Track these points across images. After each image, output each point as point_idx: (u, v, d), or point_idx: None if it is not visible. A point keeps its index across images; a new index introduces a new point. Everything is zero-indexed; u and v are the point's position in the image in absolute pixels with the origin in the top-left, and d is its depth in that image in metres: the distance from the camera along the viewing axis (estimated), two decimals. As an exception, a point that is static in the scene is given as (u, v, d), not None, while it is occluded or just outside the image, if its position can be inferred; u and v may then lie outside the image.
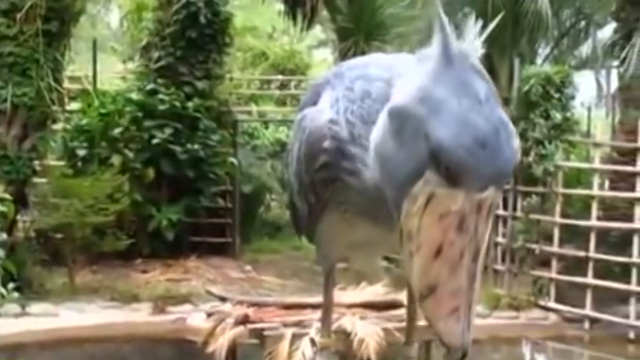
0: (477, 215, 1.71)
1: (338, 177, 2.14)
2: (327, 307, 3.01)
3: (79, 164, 12.29)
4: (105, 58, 19.28)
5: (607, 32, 15.83)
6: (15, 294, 8.34)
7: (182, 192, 12.87)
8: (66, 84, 13.00)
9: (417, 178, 1.73)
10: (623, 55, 12.51)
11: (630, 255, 10.61)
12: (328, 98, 2.19)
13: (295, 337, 5.22)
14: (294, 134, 2.40)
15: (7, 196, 9.36)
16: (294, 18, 14.90)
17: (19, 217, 11.24)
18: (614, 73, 14.88)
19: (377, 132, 1.89)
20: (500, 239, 11.90)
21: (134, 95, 13.02)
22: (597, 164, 11.57)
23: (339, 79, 2.24)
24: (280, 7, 15.69)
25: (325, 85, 2.27)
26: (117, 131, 12.52)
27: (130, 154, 12.42)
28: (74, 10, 12.40)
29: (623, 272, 10.72)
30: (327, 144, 2.14)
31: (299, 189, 2.39)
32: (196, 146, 12.80)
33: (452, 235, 1.71)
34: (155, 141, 12.54)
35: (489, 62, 15.62)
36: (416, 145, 1.72)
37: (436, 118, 1.70)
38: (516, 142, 1.76)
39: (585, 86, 16.13)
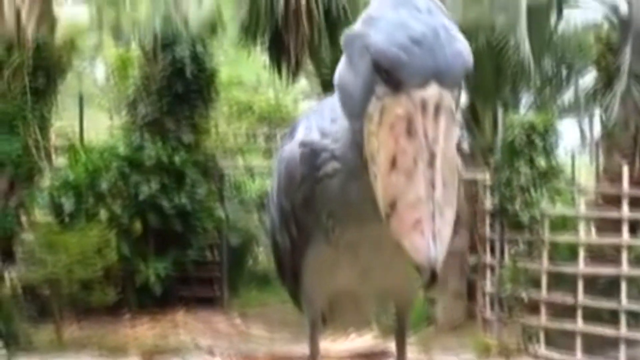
0: (424, 116, 1.68)
1: (318, 187, 2.09)
2: (314, 359, 2.97)
3: (66, 218, 12.27)
4: (92, 113, 19.35)
5: (588, 79, 16.04)
6: (2, 350, 8.28)
7: (170, 245, 12.86)
8: (53, 140, 13.05)
9: (369, 95, 1.75)
10: (605, 102, 12.66)
11: (619, 301, 10.62)
12: (303, 127, 2.21)
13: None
14: (274, 169, 2.42)
15: (-6, 252, 9.34)
16: (279, 71, 15.03)
17: (5, 272, 11.19)
18: (597, 120, 15.06)
19: (338, 69, 1.92)
20: (488, 287, 11.91)
21: (121, 150, 13.06)
22: (582, 210, 11.64)
23: (313, 112, 2.27)
24: (265, 60, 15.83)
25: (301, 120, 2.30)
26: (104, 186, 12.54)
27: (118, 208, 12.42)
28: (60, 66, 12.53)
29: (612, 317, 10.73)
30: (302, 158, 2.13)
31: (280, 221, 2.34)
32: (183, 199, 12.82)
33: (402, 142, 1.68)
34: (142, 195, 12.55)
35: (473, 111, 15.80)
36: (363, 63, 1.76)
37: (374, 29, 1.74)
38: (462, 46, 1.76)
39: (569, 133, 16.26)
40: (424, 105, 1.68)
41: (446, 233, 1.63)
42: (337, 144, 2.01)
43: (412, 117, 1.68)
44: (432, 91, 1.69)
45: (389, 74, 1.71)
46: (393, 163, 1.67)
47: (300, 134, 2.19)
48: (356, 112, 1.80)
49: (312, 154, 2.09)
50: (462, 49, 1.75)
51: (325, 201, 2.08)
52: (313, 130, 2.14)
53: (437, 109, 1.69)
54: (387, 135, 1.70)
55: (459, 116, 1.75)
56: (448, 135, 1.70)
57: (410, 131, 1.68)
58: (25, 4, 12.27)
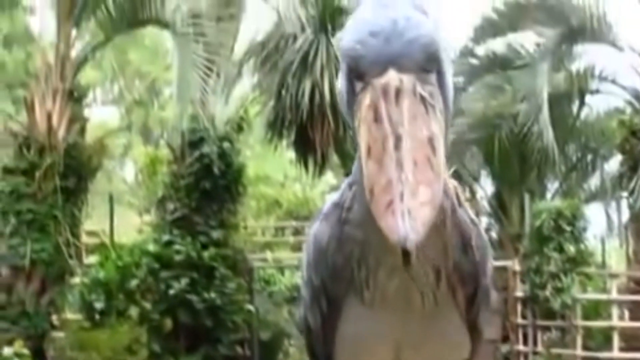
0: (386, 102, 1.73)
1: (346, 241, 2.10)
2: None
3: (97, 317, 12.30)
4: (122, 211, 19.56)
5: (613, 164, 16.08)
6: None
7: (201, 341, 12.81)
8: (83, 239, 13.19)
9: (352, 95, 1.83)
10: (631, 186, 12.66)
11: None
12: (326, 205, 2.26)
13: None
14: (304, 252, 2.43)
15: (25, 351, 9.39)
16: (306, 165, 15.19)
17: (37, 372, 11.20)
18: (624, 204, 15.01)
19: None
20: (523, 376, 11.74)
21: (151, 247, 13.15)
22: (614, 295, 11.53)
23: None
24: (292, 155, 16.02)
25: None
26: (134, 283, 12.60)
27: (148, 305, 12.44)
28: (90, 166, 12.76)
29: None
30: (327, 220, 2.17)
31: (310, 299, 2.32)
32: (213, 295, 12.83)
33: (372, 130, 1.73)
34: (172, 292, 12.58)
35: (499, 200, 15.83)
36: (344, 66, 1.86)
37: (346, 31, 1.85)
38: (421, 32, 1.78)
39: (597, 218, 16.23)
40: (385, 92, 1.74)
41: (421, 212, 1.65)
42: (356, 193, 2.05)
43: (376, 105, 1.75)
44: (390, 77, 1.75)
45: (352, 69, 1.81)
46: (368, 152, 1.74)
47: (324, 210, 2.24)
48: (349, 114, 1.90)
49: (335, 214, 2.13)
50: (420, 34, 1.78)
51: (355, 252, 2.09)
52: (334, 200, 2.20)
53: (398, 93, 1.74)
54: (362, 126, 1.77)
55: (439, 98, 1.79)
56: (416, 117, 1.74)
57: (376, 118, 1.74)
58: (56, 107, 12.58)
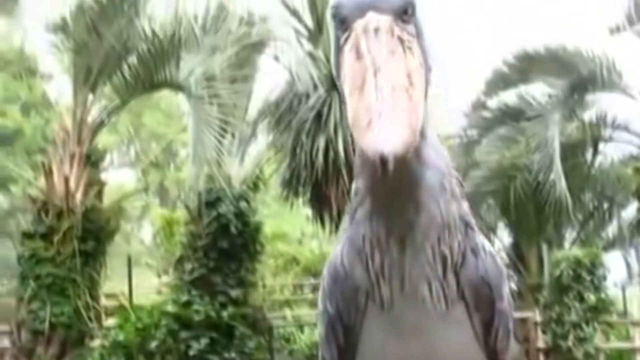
0: (366, 38, 1.89)
1: (358, 241, 2.16)
2: None
3: (118, 380, 12.29)
4: (141, 273, 19.62)
5: (631, 211, 16.04)
6: None
7: (222, 401, 12.76)
8: (103, 301, 13.23)
9: (338, 52, 1.99)
10: (649, 232, 12.63)
11: None
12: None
13: None
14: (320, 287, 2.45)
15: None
16: (322, 222, 15.22)
17: None
18: (643, 251, 14.96)
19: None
20: None
21: (170, 308, 13.17)
22: (638, 343, 11.43)
23: None
24: (308, 212, 16.06)
25: None
26: (153, 344, 12.59)
27: (168, 366, 12.43)
28: (108, 229, 12.86)
29: None
30: (340, 243, 2.23)
31: (326, 332, 2.32)
32: (233, 354, 12.81)
33: (354, 66, 1.87)
34: (192, 352, 12.57)
35: (517, 250, 15.79)
36: (333, 30, 2.05)
37: None
38: None
39: (616, 266, 16.12)
40: (365, 30, 1.92)
41: (398, 130, 1.75)
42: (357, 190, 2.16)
43: (357, 43, 1.90)
44: (369, 17, 1.93)
45: (339, 21, 1.99)
46: (351, 86, 1.87)
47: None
48: (337, 77, 2.05)
49: (343, 235, 2.22)
50: None
51: (365, 245, 2.14)
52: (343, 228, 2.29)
53: (377, 30, 1.91)
54: (345, 66, 1.93)
55: (417, 47, 1.96)
56: (394, 52, 1.89)
57: (358, 54, 1.89)
58: (74, 172, 12.73)
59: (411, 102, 1.82)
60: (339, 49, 2.01)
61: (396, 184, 1.96)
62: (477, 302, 2.17)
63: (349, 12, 1.97)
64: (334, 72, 2.10)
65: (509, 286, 2.31)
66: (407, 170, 1.97)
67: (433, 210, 2.05)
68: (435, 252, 2.08)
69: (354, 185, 2.17)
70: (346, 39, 1.96)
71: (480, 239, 2.19)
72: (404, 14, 1.98)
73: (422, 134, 2.00)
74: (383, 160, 1.72)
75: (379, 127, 1.75)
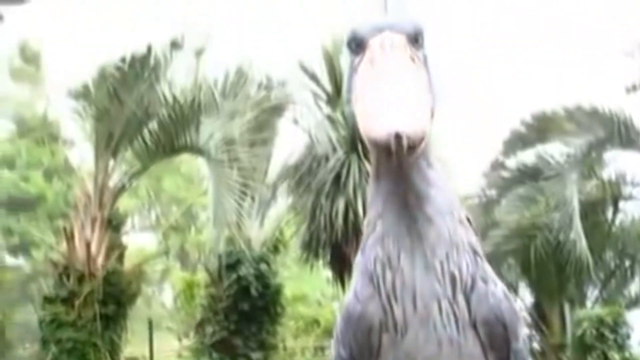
0: (382, 52, 2.02)
1: (370, 261, 2.22)
2: None
3: None
4: (161, 336, 19.58)
5: (652, 269, 15.94)
6: None
7: None
8: (124, 365, 13.21)
9: (353, 73, 2.10)
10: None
11: None
12: None
13: None
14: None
15: None
16: (342, 284, 15.19)
17: None
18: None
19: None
20: None
21: (191, 372, 13.15)
22: (663, 403, 11.27)
23: None
24: (328, 274, 16.05)
25: None
26: (175, 409, 12.54)
27: None
28: (129, 293, 12.91)
29: None
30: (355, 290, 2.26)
31: None
32: (254, 418, 12.73)
33: (369, 70, 2.01)
34: (213, 416, 12.50)
35: (539, 310, 15.68)
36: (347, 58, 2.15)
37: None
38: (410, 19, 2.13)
39: (640, 325, 15.95)
40: (381, 45, 2.04)
41: (411, 116, 1.85)
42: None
43: (373, 55, 2.03)
44: (385, 35, 2.06)
45: (356, 45, 2.11)
46: (363, 88, 1.98)
47: None
48: (349, 97, 2.14)
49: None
50: (408, 17, 2.15)
51: (377, 266, 2.19)
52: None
53: (392, 46, 2.04)
54: (359, 76, 2.04)
55: (426, 71, 2.08)
56: (407, 64, 2.01)
57: (372, 64, 2.02)
58: (95, 236, 12.84)
59: (421, 99, 1.93)
60: (352, 71, 2.11)
61: (406, 187, 2.06)
62: (492, 340, 2.17)
63: (366, 33, 2.09)
64: (344, 96, 2.23)
65: (524, 328, 2.32)
66: (416, 170, 2.07)
67: (440, 226, 2.11)
68: (444, 269, 2.11)
69: (365, 220, 2.24)
70: (362, 58, 2.08)
71: (491, 272, 2.21)
72: (415, 41, 2.11)
73: (427, 158, 2.10)
74: (398, 137, 1.81)
75: (392, 112, 1.86)
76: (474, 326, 2.15)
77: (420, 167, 2.08)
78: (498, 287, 2.21)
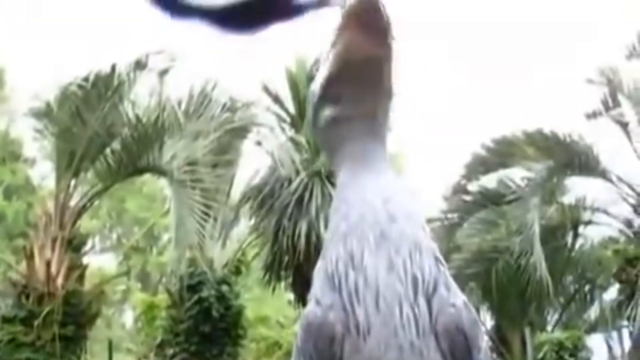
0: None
1: (333, 259, 2.18)
2: None
3: None
4: (121, 358, 19.39)
5: (612, 293, 16.11)
6: None
7: None
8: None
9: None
10: (630, 314, 12.67)
11: None
12: None
13: None
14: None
15: None
16: (304, 306, 15.11)
17: None
18: (625, 333, 14.97)
19: None
20: None
21: (150, 394, 13.03)
22: None
23: None
24: (290, 296, 16.04)
25: None
26: None
27: None
28: (89, 313, 12.78)
29: None
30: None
31: None
32: None
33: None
34: None
35: (500, 334, 15.77)
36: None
37: None
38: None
39: (599, 349, 16.11)
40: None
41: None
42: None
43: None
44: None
45: None
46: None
47: None
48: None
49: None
50: None
51: (339, 265, 2.15)
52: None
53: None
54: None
55: None
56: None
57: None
58: (55, 256, 12.71)
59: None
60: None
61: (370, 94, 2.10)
62: (453, 350, 2.13)
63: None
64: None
65: (485, 340, 2.30)
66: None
67: (403, 226, 2.11)
68: (407, 269, 2.09)
69: (329, 227, 2.24)
70: None
71: (453, 281, 2.19)
72: None
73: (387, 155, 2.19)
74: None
75: None
76: (435, 334, 2.11)
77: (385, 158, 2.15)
78: (459, 297, 2.18)
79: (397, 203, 2.12)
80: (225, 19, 1.81)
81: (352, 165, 2.17)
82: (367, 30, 1.95)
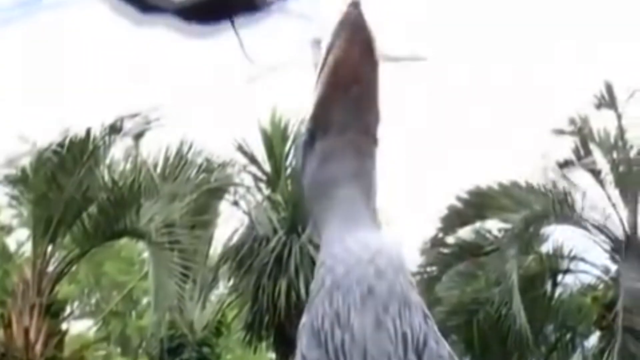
0: None
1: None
2: None
3: None
4: None
5: (593, 340, 16.12)
6: None
7: None
8: None
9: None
10: (612, 360, 12.70)
11: None
12: None
13: None
14: None
15: None
16: (287, 364, 15.09)
17: None
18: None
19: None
20: None
21: None
22: None
23: None
24: (272, 356, 15.94)
25: None
26: None
27: None
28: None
29: None
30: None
31: None
32: None
33: None
34: None
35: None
36: None
37: None
38: None
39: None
40: None
41: None
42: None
43: None
44: None
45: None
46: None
47: None
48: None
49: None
50: None
51: (331, 334, 2.08)
52: None
53: None
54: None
55: None
56: None
57: None
58: (34, 322, 12.60)
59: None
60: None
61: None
62: None
63: None
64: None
65: None
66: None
67: (392, 281, 2.02)
68: (397, 327, 2.03)
69: (314, 279, 2.14)
70: None
71: (440, 335, 2.14)
72: None
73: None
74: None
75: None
76: None
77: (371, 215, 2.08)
78: (445, 348, 2.14)
79: (385, 258, 2.04)
80: (190, 11, 1.85)
81: (340, 217, 2.09)
82: (355, 48, 1.92)
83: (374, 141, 2.08)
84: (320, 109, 2.03)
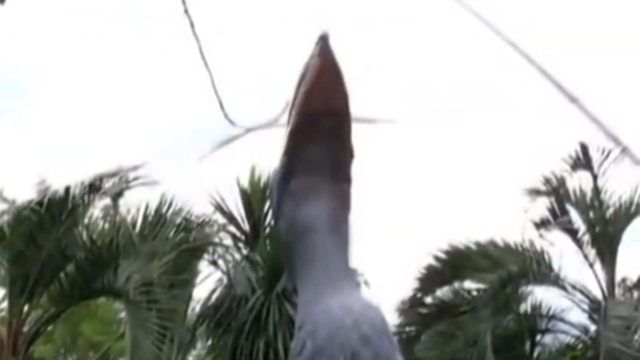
0: None
1: None
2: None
3: None
4: None
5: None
6: None
7: None
8: None
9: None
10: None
11: None
12: None
13: None
14: None
15: None
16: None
17: None
18: None
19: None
20: None
21: None
22: None
23: None
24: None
25: None
26: None
27: None
28: None
29: None
30: None
31: None
32: None
33: None
34: None
35: None
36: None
37: None
38: None
39: None
40: None
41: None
42: None
43: None
44: None
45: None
46: None
47: None
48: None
49: None
50: None
51: None
52: None
53: None
54: None
55: None
56: None
57: None
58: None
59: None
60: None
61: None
62: None
63: None
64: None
65: None
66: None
67: (378, 347, 1.91)
68: None
69: (293, 341, 2.02)
70: None
71: None
72: None
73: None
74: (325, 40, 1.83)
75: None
76: None
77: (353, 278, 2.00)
78: None
79: (368, 322, 1.93)
80: None
81: (317, 272, 1.98)
82: (325, 78, 1.86)
83: (347, 179, 1.99)
84: (292, 142, 1.93)
